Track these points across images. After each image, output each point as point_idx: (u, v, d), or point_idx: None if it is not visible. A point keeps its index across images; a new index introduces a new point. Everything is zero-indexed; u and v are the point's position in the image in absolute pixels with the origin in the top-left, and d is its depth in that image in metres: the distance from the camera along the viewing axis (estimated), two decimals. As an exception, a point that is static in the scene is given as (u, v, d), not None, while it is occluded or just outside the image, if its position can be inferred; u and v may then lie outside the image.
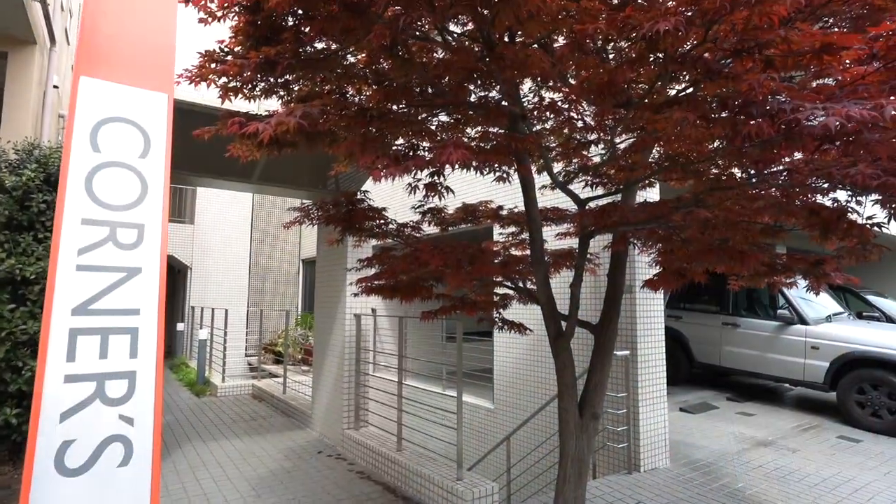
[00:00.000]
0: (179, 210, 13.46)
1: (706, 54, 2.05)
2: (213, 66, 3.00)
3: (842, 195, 2.73)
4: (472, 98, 2.99)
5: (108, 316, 1.57)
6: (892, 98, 1.80)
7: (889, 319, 7.86)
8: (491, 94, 2.96)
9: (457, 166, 2.16)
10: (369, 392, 6.24)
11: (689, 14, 1.80)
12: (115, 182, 1.66)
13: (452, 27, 2.74)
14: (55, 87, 7.14)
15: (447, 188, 2.78)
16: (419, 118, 2.97)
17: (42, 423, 1.43)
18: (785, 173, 2.54)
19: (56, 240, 1.48)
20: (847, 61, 2.00)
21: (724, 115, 1.89)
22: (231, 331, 10.89)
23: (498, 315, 3.80)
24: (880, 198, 2.43)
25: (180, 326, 13.18)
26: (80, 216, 1.57)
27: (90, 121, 1.64)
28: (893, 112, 1.35)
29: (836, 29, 2.74)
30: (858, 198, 2.75)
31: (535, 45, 2.60)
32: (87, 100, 1.63)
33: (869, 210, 2.78)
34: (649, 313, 4.79)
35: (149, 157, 1.72)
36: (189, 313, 12.95)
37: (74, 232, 1.55)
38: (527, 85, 3.24)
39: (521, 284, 3.59)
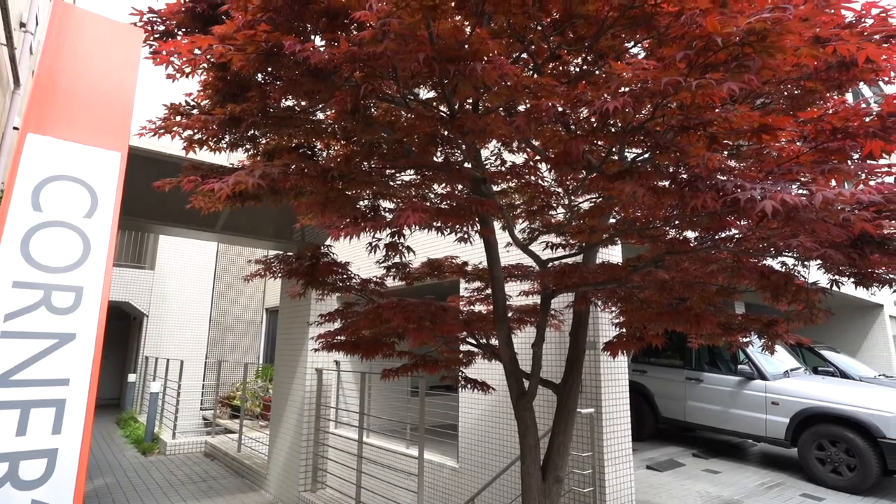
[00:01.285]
0: (139, 255, 13.02)
1: (657, 128, 2.17)
2: (178, 118, 2.99)
3: (790, 259, 2.86)
4: (438, 158, 3.06)
5: (32, 387, 1.44)
6: (828, 177, 1.92)
7: (843, 374, 8.10)
8: (455, 156, 3.04)
9: (418, 227, 2.17)
10: (329, 451, 5.96)
11: (639, 89, 1.91)
12: (54, 243, 1.58)
13: (421, 90, 2.84)
14: (15, 128, 7.00)
15: (408, 248, 2.78)
16: (385, 175, 3.01)
17: (-63, 515, 1.27)
18: (735, 239, 2.65)
19: (-20, 305, 1.38)
20: (783, 140, 2.15)
21: (672, 187, 1.97)
22: (187, 383, 10.36)
23: (461, 373, 3.74)
24: (823, 262, 2.57)
25: (131, 378, 12.46)
26: (12, 279, 1.47)
27: (33, 179, 1.57)
28: (822, 198, 1.44)
29: (775, 105, 2.96)
30: (805, 262, 2.89)
31: (500, 108, 2.71)
32: (32, 158, 1.58)
33: (814, 274, 2.91)
34: (614, 370, 4.80)
35: (94, 217, 1.66)
36: (142, 364, 12.29)
37: (2, 296, 1.45)
38: (493, 143, 3.34)
39: (484, 341, 3.56)
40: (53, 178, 1.62)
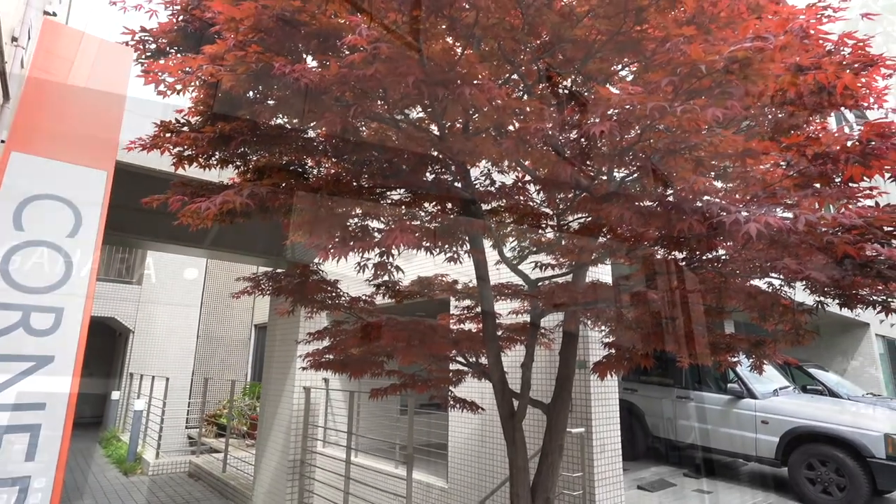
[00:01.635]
0: (126, 270, 12.86)
1: (644, 151, 2.20)
2: (168, 135, 2.98)
3: (776, 280, 2.89)
4: (428, 177, 3.07)
5: (5, 412, 1.38)
6: (811, 201, 1.95)
7: (831, 393, 8.12)
8: (445, 175, 3.05)
9: (406, 247, 2.17)
10: (316, 472, 5.85)
11: (625, 112, 1.94)
12: (35, 263, 1.55)
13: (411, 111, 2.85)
14: (2, 141, 6.92)
15: (397, 267, 2.78)
16: (375, 193, 3.01)
17: None
18: (722, 260, 2.67)
19: (-44, 327, 1.34)
20: (768, 164, 2.18)
21: (660, 209, 1.99)
22: (172, 401, 10.15)
23: (450, 392, 3.71)
24: (808, 283, 2.59)
25: (115, 395, 12.19)
26: (-11, 300, 1.44)
27: (16, 198, 1.55)
28: (805, 221, 1.46)
29: (759, 128, 3.01)
30: (791, 283, 2.91)
31: (490, 129, 2.74)
32: (15, 176, 1.56)
33: (800, 295, 2.94)
34: (604, 389, 4.77)
35: (78, 237, 1.63)
36: (126, 381, 12.04)
37: (-21, 319, 1.42)
38: (483, 162, 3.36)
39: (474, 360, 3.54)
40: (36, 196, 1.60)
